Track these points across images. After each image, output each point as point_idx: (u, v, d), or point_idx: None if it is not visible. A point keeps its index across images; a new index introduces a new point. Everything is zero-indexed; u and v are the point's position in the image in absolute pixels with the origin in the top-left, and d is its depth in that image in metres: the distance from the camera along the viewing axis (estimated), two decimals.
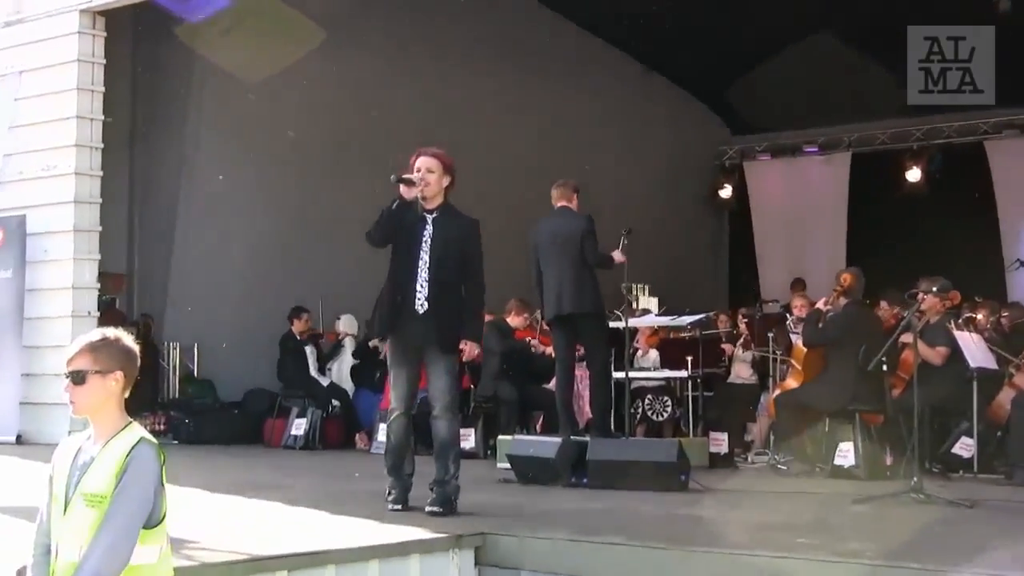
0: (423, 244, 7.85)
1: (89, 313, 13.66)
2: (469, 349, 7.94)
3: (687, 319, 12.82)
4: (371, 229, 7.87)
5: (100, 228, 13.87)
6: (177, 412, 15.42)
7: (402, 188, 7.82)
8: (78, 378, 4.16)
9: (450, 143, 8.66)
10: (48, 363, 13.22)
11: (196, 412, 15.54)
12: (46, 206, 13.98)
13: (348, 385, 15.67)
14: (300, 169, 16.84)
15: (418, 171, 7.89)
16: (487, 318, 11.65)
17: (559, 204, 10.92)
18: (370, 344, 14.65)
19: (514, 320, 13.65)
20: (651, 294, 17.06)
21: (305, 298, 15.82)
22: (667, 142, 21.12)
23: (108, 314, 14.39)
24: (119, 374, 4.18)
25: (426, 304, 7.81)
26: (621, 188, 19.11)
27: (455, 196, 8.12)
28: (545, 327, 12.14)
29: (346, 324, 15.94)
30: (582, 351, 11.27)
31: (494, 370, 13.32)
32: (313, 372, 15.38)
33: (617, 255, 10.70)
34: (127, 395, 4.22)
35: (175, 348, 16.37)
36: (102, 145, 13.83)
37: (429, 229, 7.91)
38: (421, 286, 7.80)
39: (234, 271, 16.48)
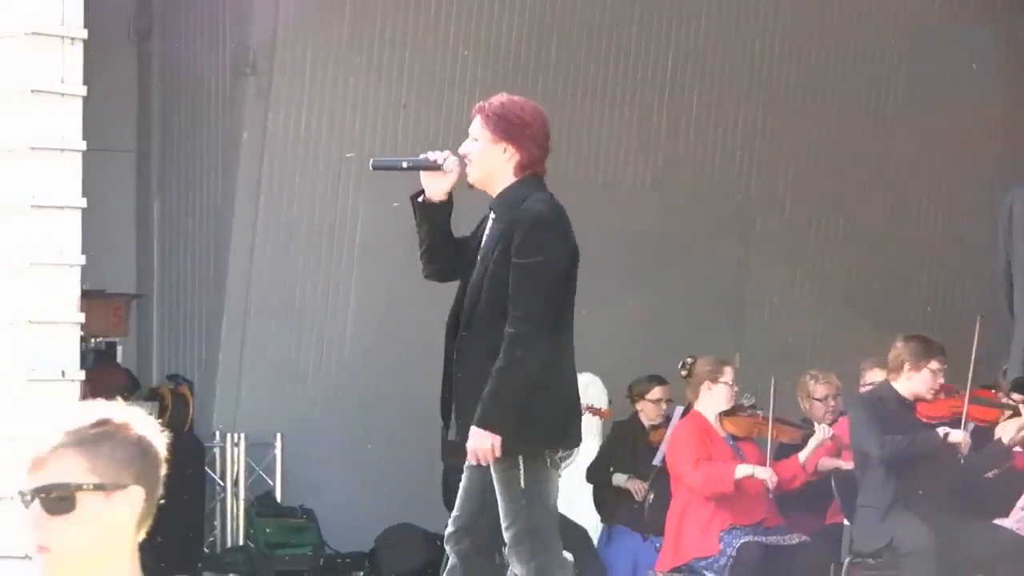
0: (476, 263, 6.26)
1: (64, 374, 9.82)
2: (475, 445, 5.73)
3: None
4: None
5: (84, 204, 9.44)
6: None
7: (424, 177, 6.12)
8: (56, 502, 2.76)
9: None
10: None
11: None
12: None
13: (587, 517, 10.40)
14: None
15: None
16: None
17: None
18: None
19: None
20: None
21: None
22: None
23: (102, 374, 11.09)
24: (134, 492, 2.80)
25: (456, 363, 6.18)
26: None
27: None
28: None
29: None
30: None
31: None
32: None
33: None
34: (143, 535, 2.84)
35: (236, 445, 11.38)
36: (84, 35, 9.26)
37: (484, 236, 6.26)
38: (462, 334, 6.24)
39: (365, 286, 11.58)
